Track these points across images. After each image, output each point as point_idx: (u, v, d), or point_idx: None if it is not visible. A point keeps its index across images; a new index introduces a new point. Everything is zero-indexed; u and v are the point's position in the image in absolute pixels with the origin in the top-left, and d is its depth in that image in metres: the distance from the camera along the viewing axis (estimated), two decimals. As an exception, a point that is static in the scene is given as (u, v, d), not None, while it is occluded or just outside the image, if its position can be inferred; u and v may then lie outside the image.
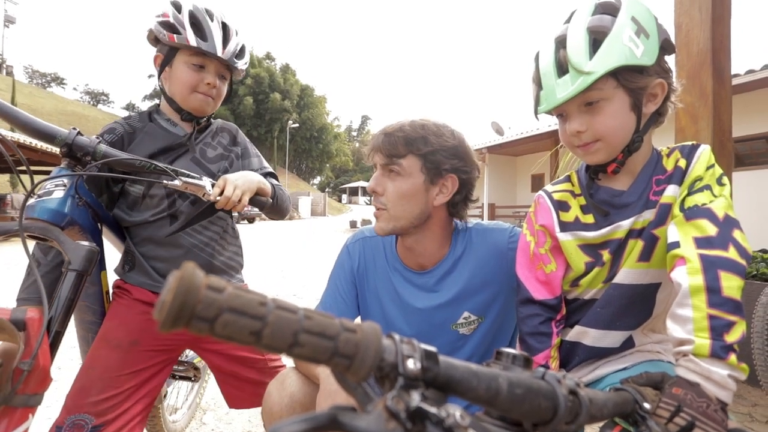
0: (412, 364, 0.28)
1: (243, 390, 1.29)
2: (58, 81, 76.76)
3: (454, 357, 0.33)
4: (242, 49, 1.20)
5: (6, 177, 19.88)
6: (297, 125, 50.29)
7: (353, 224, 21.56)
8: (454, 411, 0.27)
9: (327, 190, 64.14)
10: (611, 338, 0.90)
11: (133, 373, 1.09)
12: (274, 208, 1.23)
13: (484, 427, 0.33)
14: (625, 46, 0.78)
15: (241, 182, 1.07)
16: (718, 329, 0.66)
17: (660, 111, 0.87)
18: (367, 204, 52.78)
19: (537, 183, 13.32)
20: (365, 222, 20.24)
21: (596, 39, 0.80)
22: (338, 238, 14.23)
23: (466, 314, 1.05)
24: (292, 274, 6.56)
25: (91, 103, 77.55)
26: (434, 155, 0.96)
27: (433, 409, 0.26)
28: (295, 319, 0.26)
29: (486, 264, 1.04)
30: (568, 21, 0.85)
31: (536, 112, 0.89)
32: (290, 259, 8.58)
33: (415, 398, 0.26)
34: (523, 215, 11.42)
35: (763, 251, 3.05)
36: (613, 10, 0.81)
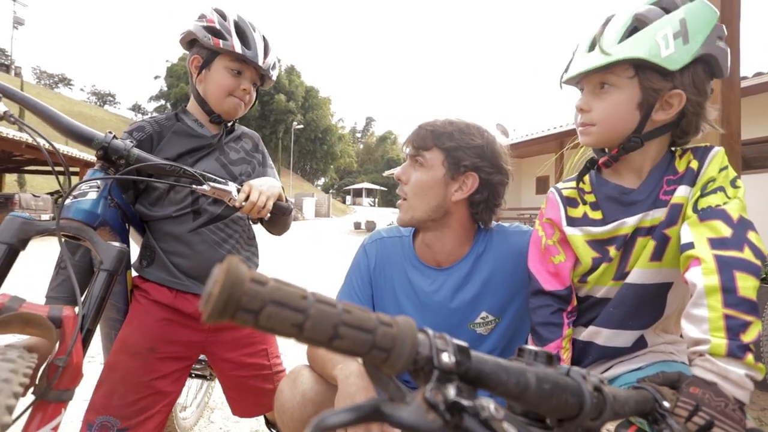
0: (446, 358, 0.28)
1: (247, 398, 1.32)
2: (66, 82, 77.36)
3: None
4: (275, 62, 1.25)
5: (14, 177, 20.05)
6: (301, 126, 50.42)
7: (357, 225, 21.56)
8: (489, 404, 0.28)
9: (331, 191, 64.25)
10: (623, 338, 0.90)
11: (153, 380, 1.11)
12: (280, 221, 1.27)
13: (517, 420, 0.33)
14: (654, 42, 0.77)
15: (265, 188, 1.10)
16: (734, 329, 0.66)
17: (685, 129, 0.86)
18: (371, 205, 52.79)
19: (542, 185, 13.27)
20: (369, 223, 20.23)
21: (636, 27, 0.80)
22: (343, 240, 14.25)
23: (483, 314, 1.06)
24: (296, 277, 6.57)
25: (98, 103, 78.06)
26: (457, 151, 0.98)
27: (469, 402, 0.26)
28: (335, 312, 0.26)
29: (505, 265, 1.05)
30: (627, 4, 0.86)
31: (561, 79, 0.92)
32: (294, 261, 8.60)
33: (452, 391, 0.27)
34: (528, 217, 11.42)
35: (772, 254, 3.03)
36: (670, 6, 0.81)
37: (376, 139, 79.59)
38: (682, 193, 0.83)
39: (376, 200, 57.57)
